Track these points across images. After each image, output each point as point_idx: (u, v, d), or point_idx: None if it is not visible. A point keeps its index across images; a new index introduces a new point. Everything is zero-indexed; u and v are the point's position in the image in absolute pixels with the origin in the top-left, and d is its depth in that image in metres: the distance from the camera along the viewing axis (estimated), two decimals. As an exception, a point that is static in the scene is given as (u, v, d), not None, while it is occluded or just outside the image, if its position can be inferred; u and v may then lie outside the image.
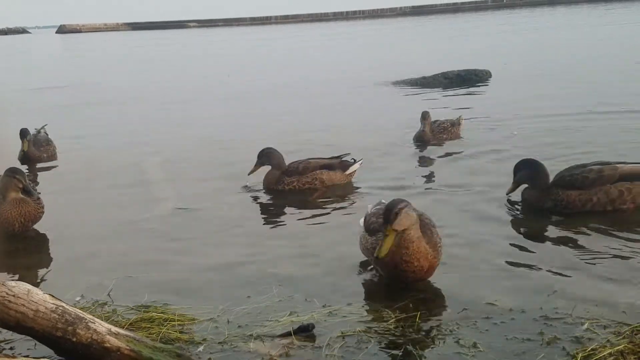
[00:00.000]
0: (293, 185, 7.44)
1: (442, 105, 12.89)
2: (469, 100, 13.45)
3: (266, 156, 7.56)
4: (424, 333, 3.97)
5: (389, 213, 4.35)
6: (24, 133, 9.63)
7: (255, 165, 7.59)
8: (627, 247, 5.14)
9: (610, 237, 5.38)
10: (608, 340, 3.71)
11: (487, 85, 15.66)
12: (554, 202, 6.03)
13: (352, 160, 7.68)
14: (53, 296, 3.77)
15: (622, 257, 4.96)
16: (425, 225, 4.57)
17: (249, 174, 7.61)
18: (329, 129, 11.05)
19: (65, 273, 5.39)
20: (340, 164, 7.63)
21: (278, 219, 6.57)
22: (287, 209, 6.84)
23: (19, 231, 6.23)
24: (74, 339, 3.64)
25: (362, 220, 5.10)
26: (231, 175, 8.17)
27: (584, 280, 4.61)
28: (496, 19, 53.87)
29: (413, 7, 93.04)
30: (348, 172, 7.57)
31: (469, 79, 16.15)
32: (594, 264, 4.88)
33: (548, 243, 5.44)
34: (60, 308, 3.69)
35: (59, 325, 3.64)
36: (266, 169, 7.63)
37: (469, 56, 21.12)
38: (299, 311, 4.31)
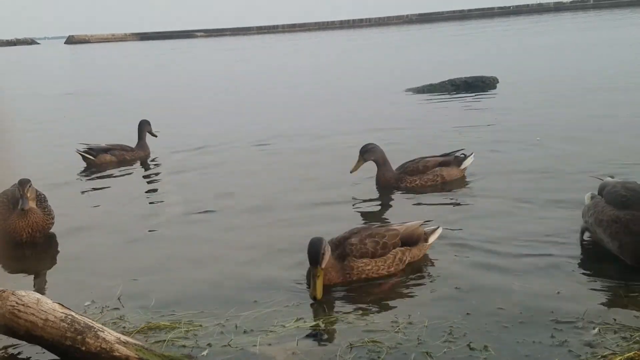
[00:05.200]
0: (416, 184, 7.46)
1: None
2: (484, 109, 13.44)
3: (370, 152, 7.39)
4: (434, 338, 3.95)
5: (316, 255, 4.57)
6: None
7: (358, 162, 7.41)
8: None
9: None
10: (618, 345, 3.68)
11: (494, 92, 15.64)
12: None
13: (463, 155, 7.79)
14: (62, 305, 3.79)
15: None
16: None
17: (351, 172, 7.42)
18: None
19: (74, 278, 5.40)
20: (455, 159, 7.75)
21: (285, 225, 6.51)
22: (294, 215, 6.79)
23: (26, 241, 6.27)
24: (83, 348, 3.65)
25: None
26: (245, 179, 8.18)
27: (595, 285, 4.57)
28: (502, 26, 53.86)
29: (420, 14, 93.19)
30: (462, 167, 7.71)
31: (475, 86, 16.13)
32: (606, 268, 4.83)
33: (560, 246, 5.38)
34: (70, 317, 3.71)
35: (68, 334, 3.66)
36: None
37: (475, 63, 21.11)
38: (305, 317, 4.30)
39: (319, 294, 4.48)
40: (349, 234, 5.05)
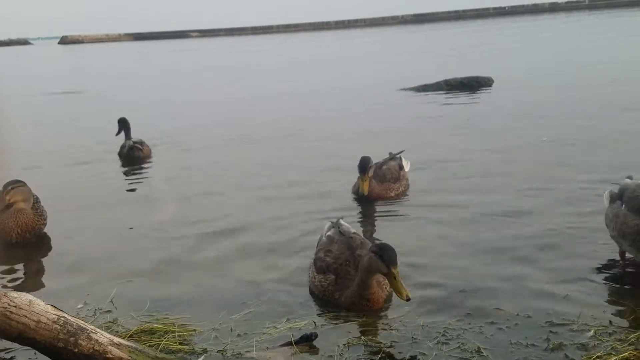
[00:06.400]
0: (400, 191, 7.28)
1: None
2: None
3: (372, 167, 7.10)
4: (429, 339, 3.94)
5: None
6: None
7: (366, 180, 6.97)
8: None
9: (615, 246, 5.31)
10: (613, 347, 3.68)
11: (489, 92, 15.67)
12: None
13: (398, 156, 7.75)
14: (55, 307, 3.75)
15: (631, 265, 4.89)
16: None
17: (366, 194, 6.95)
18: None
19: (66, 280, 5.37)
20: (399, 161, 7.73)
21: (276, 226, 6.49)
22: (286, 216, 6.77)
23: (16, 241, 6.26)
24: (76, 350, 3.61)
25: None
26: (238, 180, 8.19)
27: (590, 287, 4.57)
28: (499, 25, 53.94)
29: (415, 15, 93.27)
30: (408, 169, 7.69)
31: (471, 86, 16.16)
32: (601, 271, 4.84)
33: (555, 249, 5.39)
34: (62, 319, 3.67)
35: (61, 336, 3.62)
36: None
37: (471, 63, 21.14)
38: (296, 317, 4.30)
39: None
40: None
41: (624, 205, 4.70)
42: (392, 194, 7.21)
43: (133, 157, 10.14)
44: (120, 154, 10.37)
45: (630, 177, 5.07)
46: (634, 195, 4.61)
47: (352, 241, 4.80)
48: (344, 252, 4.71)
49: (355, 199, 7.19)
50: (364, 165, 6.97)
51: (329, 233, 5.02)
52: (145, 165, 9.87)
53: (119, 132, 10.61)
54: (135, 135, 10.58)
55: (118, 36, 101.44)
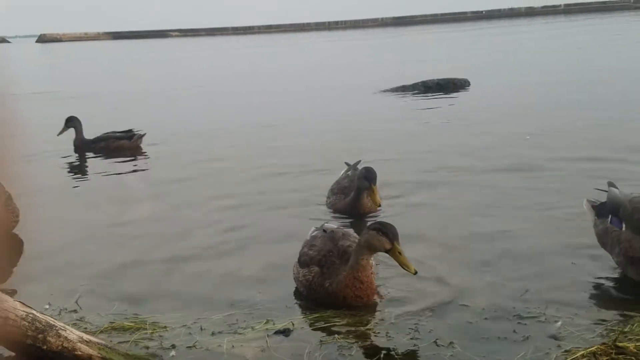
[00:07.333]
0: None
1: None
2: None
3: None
4: (401, 335, 3.97)
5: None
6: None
7: (374, 192, 6.35)
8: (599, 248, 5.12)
9: (585, 237, 5.35)
10: (581, 338, 3.75)
11: (465, 93, 15.82)
12: None
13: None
14: (24, 304, 3.71)
15: (594, 258, 4.97)
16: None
17: (379, 205, 6.43)
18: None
19: (37, 278, 5.29)
20: None
21: (257, 226, 6.47)
22: (267, 215, 6.76)
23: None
24: (45, 347, 3.58)
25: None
26: (211, 178, 8.16)
27: (557, 280, 4.64)
28: (475, 29, 54.43)
29: (394, 18, 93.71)
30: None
31: (447, 87, 16.29)
32: (566, 263, 4.91)
33: (522, 242, 5.46)
34: (31, 315, 3.63)
35: (30, 333, 3.58)
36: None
37: (448, 65, 21.29)
38: (276, 318, 4.26)
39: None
40: None
41: (623, 225, 4.41)
42: (372, 205, 6.56)
43: (95, 151, 10.25)
44: (79, 148, 10.40)
45: (613, 185, 4.82)
46: (636, 217, 4.30)
47: (334, 234, 4.76)
48: (327, 244, 4.66)
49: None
50: (374, 175, 6.33)
51: (313, 234, 4.97)
52: (117, 161, 9.81)
53: (62, 132, 10.47)
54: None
55: (97, 35, 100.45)
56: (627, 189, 4.97)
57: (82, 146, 10.45)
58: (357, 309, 4.33)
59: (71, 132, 10.59)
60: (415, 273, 4.18)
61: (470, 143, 9.61)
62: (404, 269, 4.22)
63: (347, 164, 7.38)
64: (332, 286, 4.39)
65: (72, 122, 10.55)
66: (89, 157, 10.21)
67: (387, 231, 4.22)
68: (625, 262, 4.40)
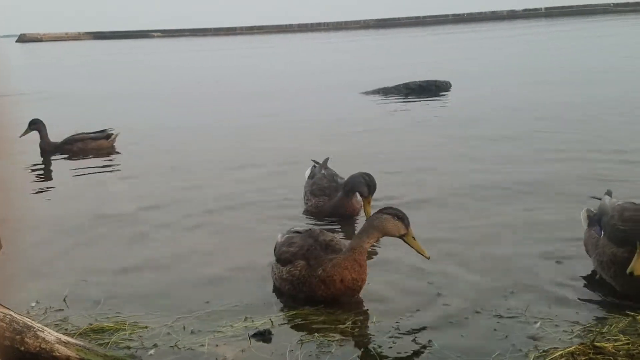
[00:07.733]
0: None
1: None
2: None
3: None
4: (381, 334, 3.98)
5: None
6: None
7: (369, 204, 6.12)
8: (579, 247, 5.15)
9: (562, 241, 5.43)
10: (560, 339, 3.78)
11: (447, 95, 15.92)
12: None
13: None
14: (1, 305, 3.66)
15: (575, 261, 5.02)
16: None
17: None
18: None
19: (18, 279, 5.23)
20: None
21: (239, 225, 6.44)
22: (248, 215, 6.74)
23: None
24: (22, 348, 3.54)
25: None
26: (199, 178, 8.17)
27: (537, 281, 4.67)
28: (457, 32, 54.80)
29: (377, 20, 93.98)
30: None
31: (429, 90, 16.37)
32: (547, 264, 4.96)
33: (503, 243, 5.51)
34: (8, 316, 3.59)
35: (7, 334, 3.53)
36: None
37: (429, 67, 21.42)
38: (255, 316, 4.27)
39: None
40: None
41: (602, 232, 4.46)
42: (359, 206, 6.48)
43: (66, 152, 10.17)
44: (45, 151, 10.21)
45: (609, 193, 4.83)
46: (611, 223, 4.31)
47: (311, 232, 4.72)
48: (307, 240, 4.58)
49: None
50: (375, 186, 6.08)
51: (286, 235, 4.89)
52: (90, 161, 9.76)
53: (24, 134, 10.20)
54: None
55: (77, 35, 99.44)
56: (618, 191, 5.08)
57: (49, 149, 10.23)
58: (336, 307, 4.35)
59: (35, 135, 10.30)
60: (429, 258, 4.33)
61: (449, 144, 9.69)
62: (419, 253, 4.33)
63: (315, 162, 7.28)
64: (326, 271, 4.32)
65: (35, 124, 10.24)
66: (60, 159, 10.05)
67: (402, 216, 4.30)
68: (599, 267, 4.49)
